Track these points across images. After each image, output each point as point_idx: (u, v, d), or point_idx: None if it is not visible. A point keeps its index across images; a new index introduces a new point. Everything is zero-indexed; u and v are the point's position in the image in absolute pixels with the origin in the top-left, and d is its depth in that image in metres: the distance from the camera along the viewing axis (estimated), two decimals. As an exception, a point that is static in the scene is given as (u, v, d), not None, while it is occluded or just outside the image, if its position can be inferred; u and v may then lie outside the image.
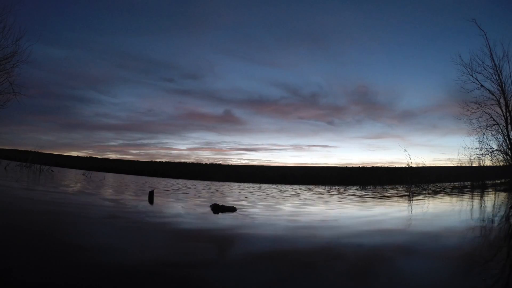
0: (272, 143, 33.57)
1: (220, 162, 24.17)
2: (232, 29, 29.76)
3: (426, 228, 4.86)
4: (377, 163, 25.56)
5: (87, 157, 26.72)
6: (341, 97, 32.12)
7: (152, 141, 31.42)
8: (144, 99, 30.79)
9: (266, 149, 29.93)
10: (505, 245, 3.92)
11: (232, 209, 6.52)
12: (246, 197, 10.31)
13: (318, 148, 29.94)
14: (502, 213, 6.71)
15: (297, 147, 30.37)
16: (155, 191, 9.21)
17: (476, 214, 6.57)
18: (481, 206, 8.43)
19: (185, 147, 31.42)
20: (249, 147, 32.49)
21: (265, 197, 10.91)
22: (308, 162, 30.64)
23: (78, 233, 3.60)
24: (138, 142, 30.67)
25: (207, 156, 35.09)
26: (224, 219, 5.51)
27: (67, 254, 2.71)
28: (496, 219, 5.93)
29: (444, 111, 30.02)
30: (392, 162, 25.96)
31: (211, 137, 32.93)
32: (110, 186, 11.83)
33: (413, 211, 7.31)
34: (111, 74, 28.71)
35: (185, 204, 7.56)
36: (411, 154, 38.56)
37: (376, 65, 30.80)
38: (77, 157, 26.71)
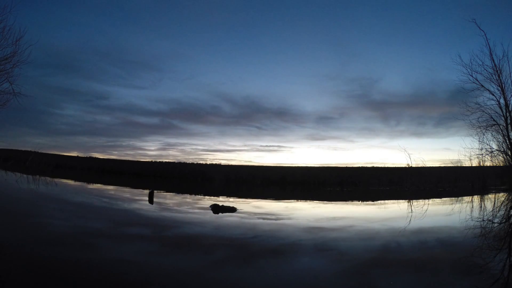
0: (228, 144, 32.96)
1: (220, 162, 23.96)
2: (95, 66, 32.62)
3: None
4: (359, 163, 24.92)
5: (87, 157, 26.71)
6: (236, 108, 31.72)
7: (123, 143, 31.88)
8: (82, 113, 32.56)
9: (228, 151, 29.40)
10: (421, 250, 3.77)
11: (232, 210, 6.50)
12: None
13: (275, 148, 29.26)
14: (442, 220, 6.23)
15: (253, 148, 29.74)
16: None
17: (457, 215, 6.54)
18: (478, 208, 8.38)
19: (154, 148, 31.44)
20: (211, 148, 32.02)
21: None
22: (286, 163, 30.14)
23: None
24: (112, 144, 31.18)
25: (185, 157, 34.78)
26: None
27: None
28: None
29: (356, 115, 30.15)
30: (373, 163, 25.20)
31: (166, 139, 32.95)
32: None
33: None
34: (49, 98, 30.86)
35: (188, 205, 7.56)
36: (374, 156, 37.98)
37: (250, 75, 31.42)
38: (77, 157, 26.71)
